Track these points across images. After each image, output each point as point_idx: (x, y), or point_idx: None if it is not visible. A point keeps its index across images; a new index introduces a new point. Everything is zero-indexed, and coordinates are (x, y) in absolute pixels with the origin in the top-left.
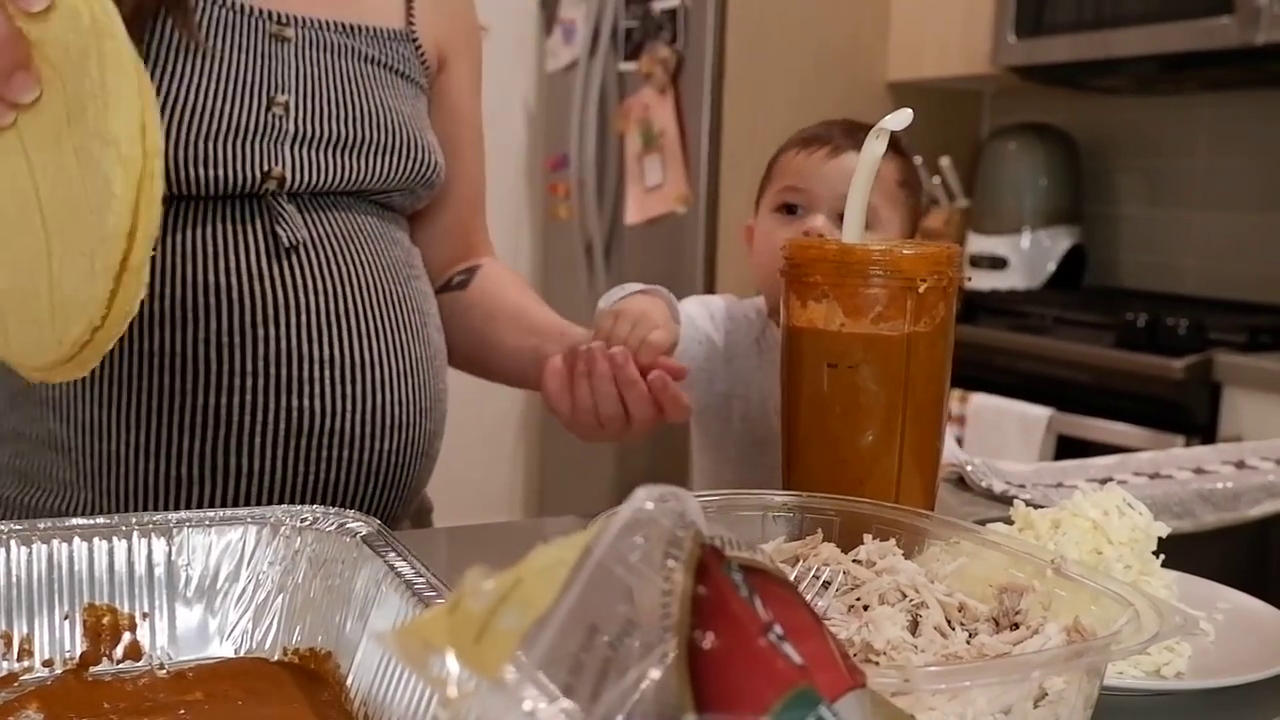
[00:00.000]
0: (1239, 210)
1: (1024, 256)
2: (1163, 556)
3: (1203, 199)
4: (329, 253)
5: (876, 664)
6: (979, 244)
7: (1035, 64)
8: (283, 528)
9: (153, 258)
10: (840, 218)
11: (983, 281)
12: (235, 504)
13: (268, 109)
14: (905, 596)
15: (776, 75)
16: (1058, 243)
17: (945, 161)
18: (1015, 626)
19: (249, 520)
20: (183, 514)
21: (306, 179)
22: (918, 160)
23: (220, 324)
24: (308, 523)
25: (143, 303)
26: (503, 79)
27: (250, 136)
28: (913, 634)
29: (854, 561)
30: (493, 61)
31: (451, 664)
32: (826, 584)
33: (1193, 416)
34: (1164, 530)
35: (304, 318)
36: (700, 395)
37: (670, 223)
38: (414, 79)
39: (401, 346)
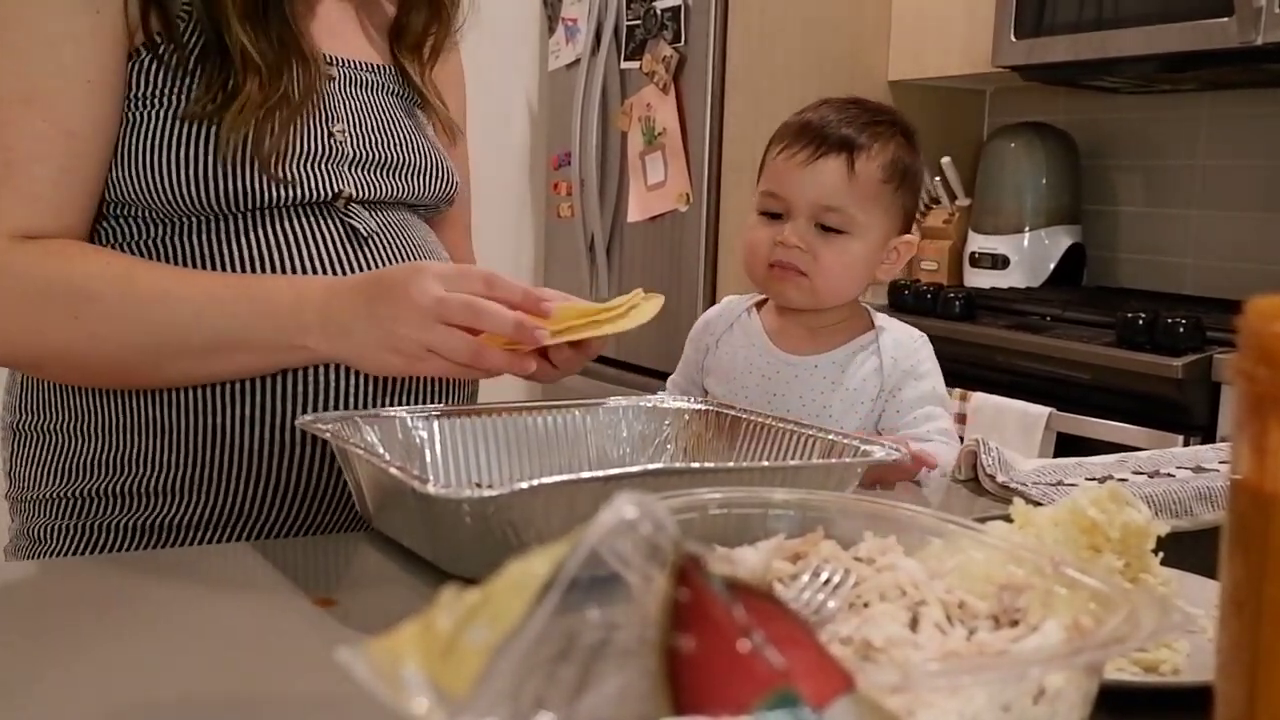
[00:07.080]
0: (1238, 210)
1: (1024, 255)
2: (1161, 554)
3: (1202, 198)
4: (395, 239)
5: (876, 661)
6: (979, 243)
7: (1036, 64)
8: None
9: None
10: (818, 225)
11: (983, 280)
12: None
13: (329, 136)
14: (905, 594)
15: (778, 74)
16: (1057, 242)
17: (946, 161)
18: (1015, 624)
19: None
20: None
21: (367, 194)
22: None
23: None
24: None
25: None
26: (505, 78)
27: (318, 160)
28: (912, 631)
29: (854, 558)
30: (495, 60)
31: (419, 679)
32: (837, 586)
33: (1192, 415)
34: (1163, 528)
35: None
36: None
37: (672, 220)
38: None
39: None
